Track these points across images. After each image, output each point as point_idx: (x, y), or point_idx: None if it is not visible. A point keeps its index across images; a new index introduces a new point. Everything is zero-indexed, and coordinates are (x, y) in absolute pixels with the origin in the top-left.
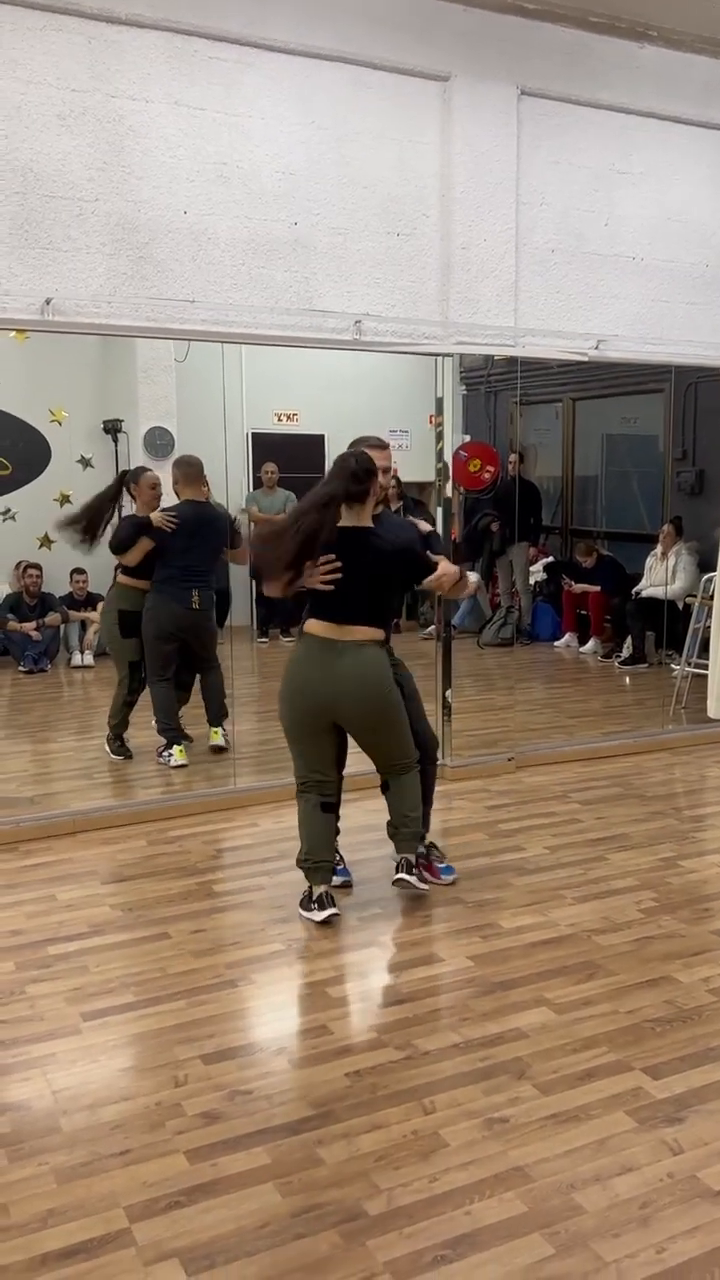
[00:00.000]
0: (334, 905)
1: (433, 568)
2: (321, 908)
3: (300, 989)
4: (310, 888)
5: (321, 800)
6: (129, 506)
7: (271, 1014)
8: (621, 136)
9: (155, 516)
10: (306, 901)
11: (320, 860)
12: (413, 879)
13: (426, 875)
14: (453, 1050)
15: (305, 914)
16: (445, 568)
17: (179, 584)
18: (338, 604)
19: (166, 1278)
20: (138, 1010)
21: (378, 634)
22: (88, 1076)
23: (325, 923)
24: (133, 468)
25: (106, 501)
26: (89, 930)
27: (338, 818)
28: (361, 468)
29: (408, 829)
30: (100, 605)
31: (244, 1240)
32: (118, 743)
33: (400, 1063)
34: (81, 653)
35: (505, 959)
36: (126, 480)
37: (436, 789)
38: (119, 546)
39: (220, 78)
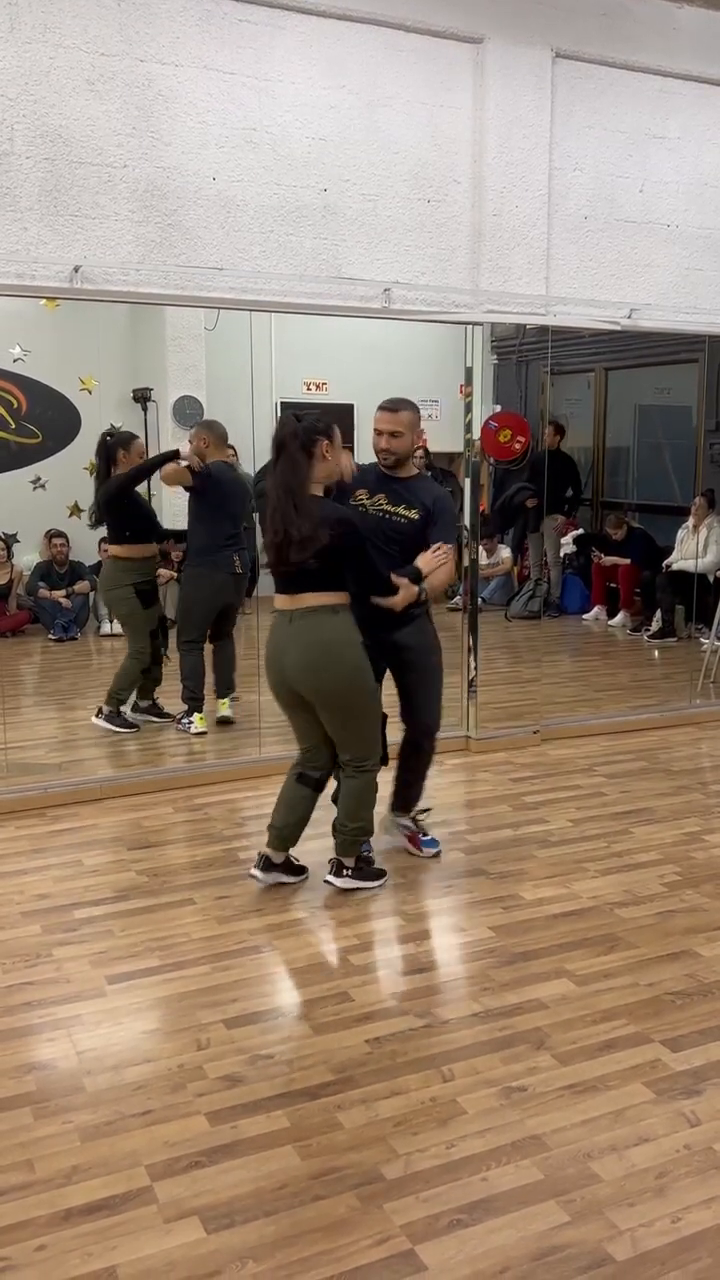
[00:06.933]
0: (264, 870)
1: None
2: (256, 866)
3: (322, 956)
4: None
5: (300, 771)
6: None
7: (293, 980)
8: (658, 100)
9: (194, 459)
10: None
11: (271, 823)
12: (336, 881)
13: (410, 847)
14: (472, 1019)
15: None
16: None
17: (220, 550)
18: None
19: (186, 1235)
20: (162, 974)
21: (328, 599)
22: (112, 1038)
23: (254, 877)
24: (117, 432)
25: (104, 475)
26: (114, 895)
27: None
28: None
29: (342, 835)
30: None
31: (263, 1201)
32: (119, 718)
33: (420, 1030)
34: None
35: (526, 930)
36: (111, 445)
37: (460, 761)
38: (150, 466)
39: (250, 41)
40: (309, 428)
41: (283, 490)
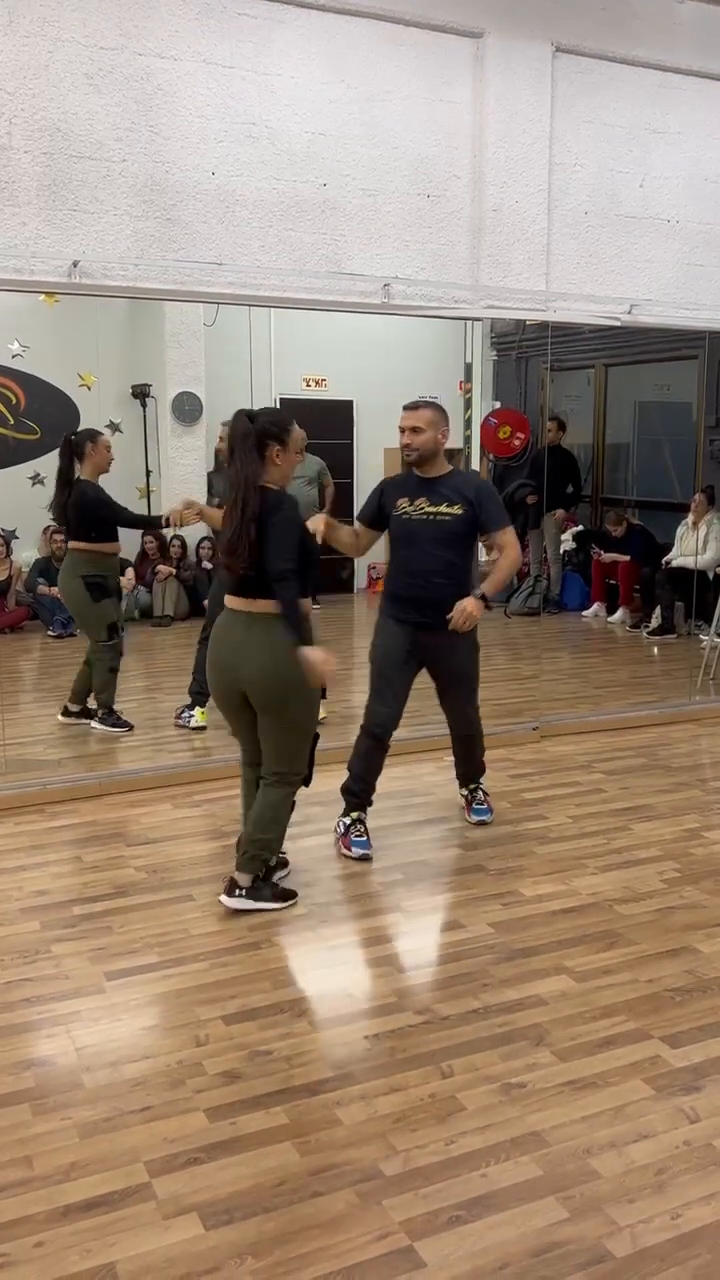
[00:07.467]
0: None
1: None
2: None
3: (322, 952)
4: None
5: (259, 776)
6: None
7: (293, 976)
8: (658, 95)
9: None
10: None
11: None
12: (228, 901)
13: (465, 815)
14: (472, 1016)
15: None
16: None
17: None
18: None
19: (185, 1231)
20: (161, 970)
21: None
22: (111, 1035)
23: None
24: (80, 430)
25: (65, 474)
26: (114, 891)
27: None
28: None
29: (248, 851)
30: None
31: (262, 1197)
32: (113, 716)
33: (419, 1027)
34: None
35: (526, 927)
36: (76, 443)
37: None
38: (145, 524)
39: (250, 35)
40: (261, 430)
41: (238, 488)
